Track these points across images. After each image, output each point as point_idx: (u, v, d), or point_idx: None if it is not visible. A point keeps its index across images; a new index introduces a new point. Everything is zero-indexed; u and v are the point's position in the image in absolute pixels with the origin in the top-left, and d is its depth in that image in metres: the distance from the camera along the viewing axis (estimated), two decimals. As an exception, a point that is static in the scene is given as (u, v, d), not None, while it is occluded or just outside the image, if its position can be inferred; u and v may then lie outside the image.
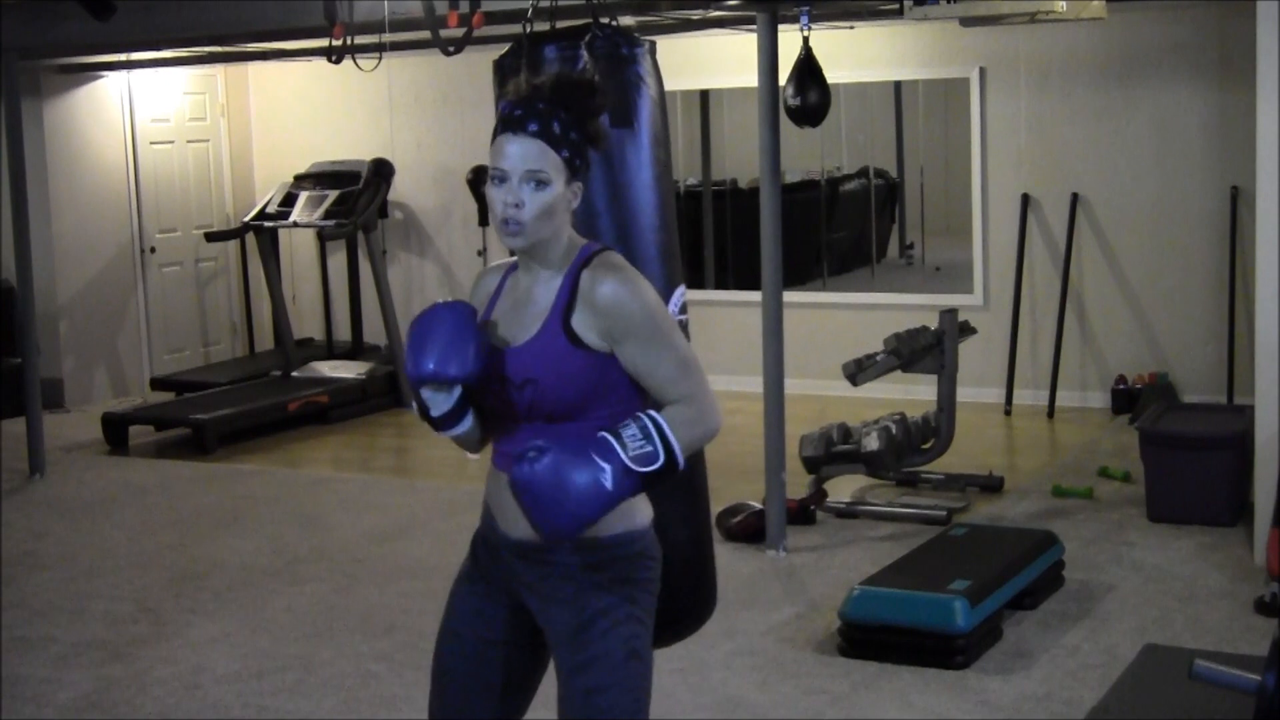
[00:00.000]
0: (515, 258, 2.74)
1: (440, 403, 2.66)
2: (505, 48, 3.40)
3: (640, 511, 2.70)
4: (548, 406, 2.63)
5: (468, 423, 2.70)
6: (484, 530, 2.78)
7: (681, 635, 3.42)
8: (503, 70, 3.38)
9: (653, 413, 2.57)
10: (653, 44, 3.45)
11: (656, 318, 2.64)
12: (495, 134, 2.63)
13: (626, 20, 7.73)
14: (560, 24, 3.60)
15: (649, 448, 2.52)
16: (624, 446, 2.52)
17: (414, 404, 2.72)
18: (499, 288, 2.76)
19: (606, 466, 2.49)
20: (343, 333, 10.50)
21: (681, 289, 3.50)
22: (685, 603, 3.35)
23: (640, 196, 3.43)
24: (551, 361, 2.62)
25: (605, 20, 3.39)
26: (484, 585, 2.76)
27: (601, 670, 2.63)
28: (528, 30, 3.45)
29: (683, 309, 3.47)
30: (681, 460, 2.55)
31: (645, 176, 3.42)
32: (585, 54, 3.35)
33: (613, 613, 2.65)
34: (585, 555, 2.64)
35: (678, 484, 2.83)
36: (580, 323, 2.63)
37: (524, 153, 2.59)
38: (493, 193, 2.61)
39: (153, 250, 10.36)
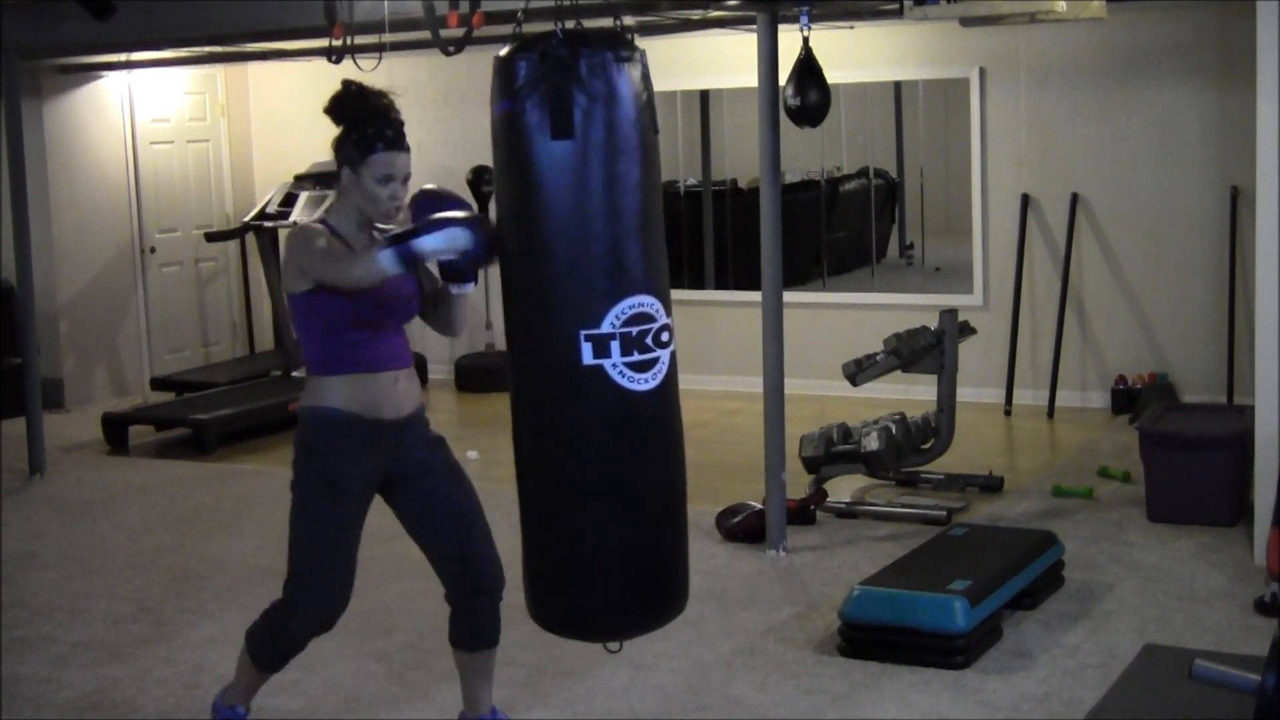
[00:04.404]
0: (318, 218, 3.83)
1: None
2: (505, 47, 3.37)
3: None
4: (410, 316, 3.79)
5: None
6: (356, 432, 3.75)
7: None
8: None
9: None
10: (617, 55, 3.28)
11: None
12: (371, 147, 3.89)
13: (627, 20, 7.72)
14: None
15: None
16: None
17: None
18: (338, 236, 3.74)
19: None
20: (343, 333, 10.48)
21: (628, 301, 3.31)
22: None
23: (580, 211, 3.28)
24: (414, 282, 3.81)
25: (567, 26, 3.28)
26: (360, 487, 3.87)
27: (472, 491, 3.97)
28: (518, 30, 3.43)
29: (626, 321, 3.28)
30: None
31: (592, 189, 3.26)
32: (537, 60, 3.25)
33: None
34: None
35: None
36: None
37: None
38: (382, 190, 3.87)
39: (153, 250, 10.36)
